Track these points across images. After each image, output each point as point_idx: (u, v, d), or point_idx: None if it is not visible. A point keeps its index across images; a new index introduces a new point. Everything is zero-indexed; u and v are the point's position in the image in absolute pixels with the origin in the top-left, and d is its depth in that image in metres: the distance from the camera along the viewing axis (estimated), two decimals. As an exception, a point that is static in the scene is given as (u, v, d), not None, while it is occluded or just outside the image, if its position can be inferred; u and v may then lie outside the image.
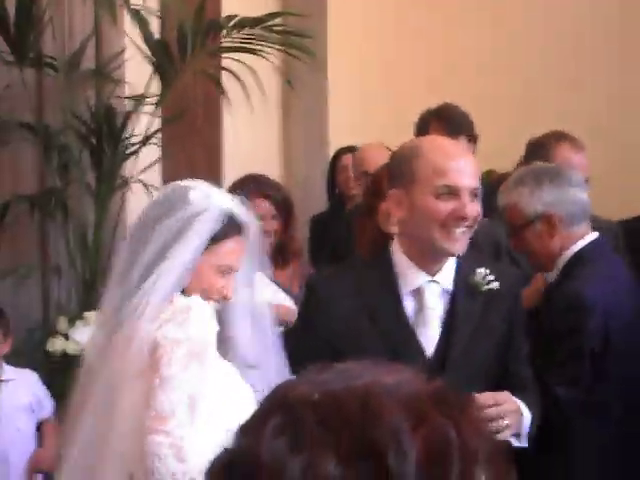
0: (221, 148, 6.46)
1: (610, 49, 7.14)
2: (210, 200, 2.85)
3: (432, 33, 7.66)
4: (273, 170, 6.60)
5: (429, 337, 3.09)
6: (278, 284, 4.59)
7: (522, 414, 3.11)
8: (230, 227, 2.84)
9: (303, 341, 3.14)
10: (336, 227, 5.64)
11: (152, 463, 2.57)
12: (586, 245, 3.63)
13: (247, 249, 2.91)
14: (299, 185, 6.82)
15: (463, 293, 3.12)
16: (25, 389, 4.51)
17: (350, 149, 6.42)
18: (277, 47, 5.36)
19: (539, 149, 4.48)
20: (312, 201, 6.38)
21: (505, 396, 3.03)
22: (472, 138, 5.07)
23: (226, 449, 1.09)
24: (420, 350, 3.07)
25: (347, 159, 6.37)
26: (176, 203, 2.83)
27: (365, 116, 6.92)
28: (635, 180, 6.56)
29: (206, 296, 2.82)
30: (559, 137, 4.48)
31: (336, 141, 6.84)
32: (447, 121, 5.03)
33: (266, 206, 4.60)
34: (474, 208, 3.03)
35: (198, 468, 2.59)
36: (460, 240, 3.03)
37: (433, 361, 3.07)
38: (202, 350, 2.70)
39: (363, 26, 7.26)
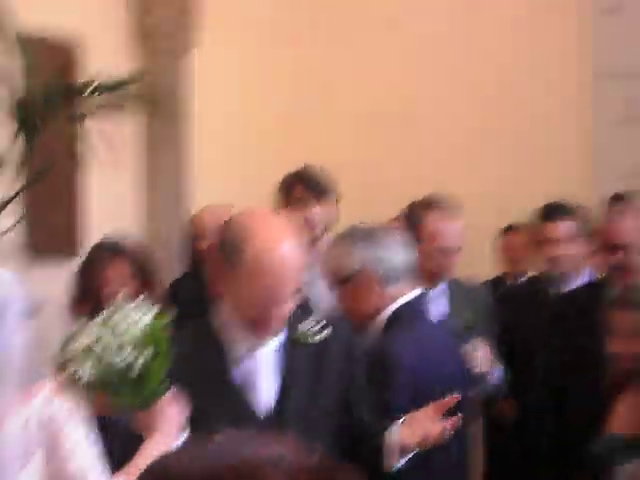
0: (82, 210, 6.40)
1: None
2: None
3: (294, 89, 7.75)
4: (135, 233, 6.46)
5: (263, 398, 3.06)
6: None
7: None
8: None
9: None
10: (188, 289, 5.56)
11: None
12: (402, 305, 3.62)
13: None
14: (162, 245, 6.76)
15: (292, 349, 3.10)
16: None
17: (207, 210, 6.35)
18: (136, 110, 5.46)
19: (410, 216, 4.55)
20: (175, 260, 6.35)
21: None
22: (334, 199, 5.12)
23: None
24: (253, 412, 3.03)
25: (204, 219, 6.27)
26: None
27: (230, 177, 6.99)
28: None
29: None
30: (428, 205, 4.52)
31: (201, 202, 6.53)
32: (310, 185, 5.06)
33: (120, 268, 4.45)
34: (290, 306, 3.01)
35: None
36: (278, 320, 3.01)
37: (267, 420, 3.03)
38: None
39: (227, 87, 7.31)
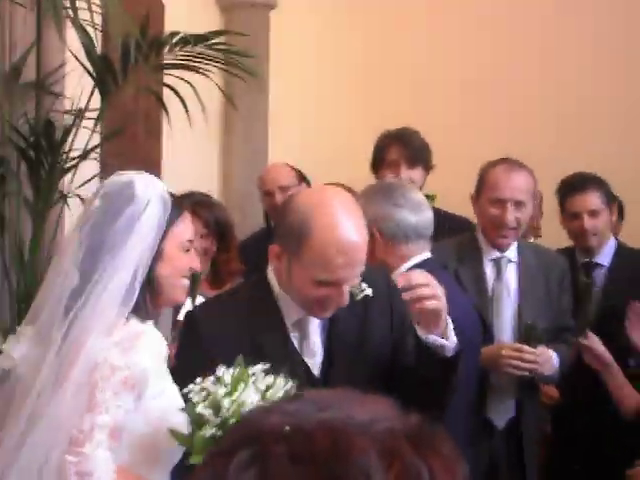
0: (160, 164, 6.46)
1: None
2: (152, 189, 2.85)
3: (369, 56, 7.78)
4: (212, 187, 6.63)
5: (315, 362, 3.09)
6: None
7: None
8: (177, 211, 2.89)
9: (184, 361, 3.09)
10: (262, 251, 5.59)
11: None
12: (411, 267, 3.57)
13: None
14: (238, 203, 6.85)
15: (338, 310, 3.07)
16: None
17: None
18: (219, 66, 5.33)
19: (479, 177, 4.52)
20: (251, 219, 6.38)
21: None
22: (428, 168, 5.02)
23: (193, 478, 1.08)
24: (307, 372, 3.05)
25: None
26: (122, 197, 2.81)
27: (303, 137, 7.03)
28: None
29: (179, 277, 2.90)
30: (498, 161, 4.48)
31: (275, 160, 6.78)
32: (407, 147, 4.97)
33: (196, 225, 4.52)
34: (347, 295, 2.98)
35: None
36: (330, 309, 3.02)
37: (321, 379, 3.05)
38: (140, 382, 2.68)
39: (303, 49, 7.35)
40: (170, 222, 2.83)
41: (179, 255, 2.88)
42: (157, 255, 2.81)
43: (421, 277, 2.95)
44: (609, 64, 7.31)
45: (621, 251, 5.05)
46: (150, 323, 2.81)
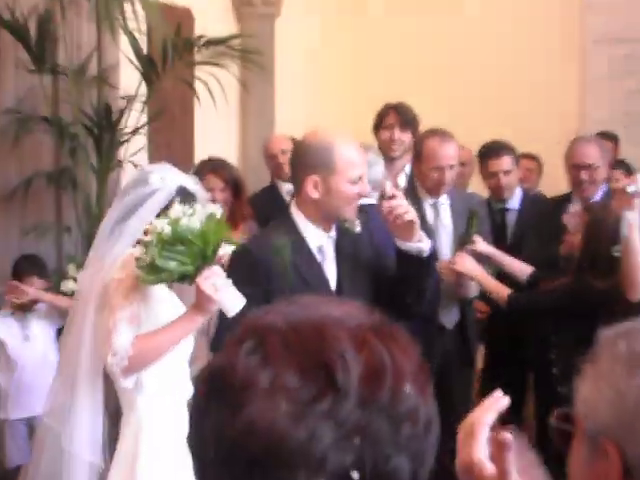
0: (193, 137, 6.43)
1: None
2: (164, 182, 2.90)
3: (357, 52, 7.61)
4: (232, 154, 6.64)
5: (332, 276, 3.08)
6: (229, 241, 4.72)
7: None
8: (181, 199, 2.87)
9: (247, 290, 2.94)
10: (269, 201, 5.56)
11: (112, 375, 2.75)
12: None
13: None
14: (252, 166, 6.79)
15: (341, 238, 3.10)
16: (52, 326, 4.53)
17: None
18: (236, 62, 5.40)
19: (416, 144, 4.51)
20: (262, 178, 6.44)
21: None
22: (415, 134, 4.89)
23: (208, 364, 1.09)
24: (328, 284, 3.06)
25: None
26: (139, 184, 2.91)
27: (305, 114, 6.92)
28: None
29: None
30: (430, 132, 4.41)
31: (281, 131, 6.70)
32: (402, 115, 4.90)
33: (216, 181, 4.63)
34: (368, 186, 3.07)
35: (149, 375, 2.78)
36: (356, 210, 3.06)
37: (336, 290, 3.07)
38: (141, 286, 2.78)
39: (304, 44, 7.25)
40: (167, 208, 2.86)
41: None
42: None
43: (397, 199, 3.01)
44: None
45: (526, 198, 5.07)
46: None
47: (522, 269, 4.36)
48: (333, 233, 3.10)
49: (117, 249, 2.85)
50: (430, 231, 4.24)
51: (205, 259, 2.77)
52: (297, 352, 1.01)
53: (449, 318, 4.42)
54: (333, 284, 3.09)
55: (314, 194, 2.98)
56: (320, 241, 3.07)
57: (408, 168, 4.86)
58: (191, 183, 2.98)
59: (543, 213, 4.83)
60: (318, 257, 3.07)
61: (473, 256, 4.28)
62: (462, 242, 4.32)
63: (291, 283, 2.95)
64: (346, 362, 0.99)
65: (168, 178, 2.92)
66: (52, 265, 5.03)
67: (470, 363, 4.65)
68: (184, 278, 2.77)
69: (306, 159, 3.03)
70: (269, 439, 0.96)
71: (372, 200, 3.68)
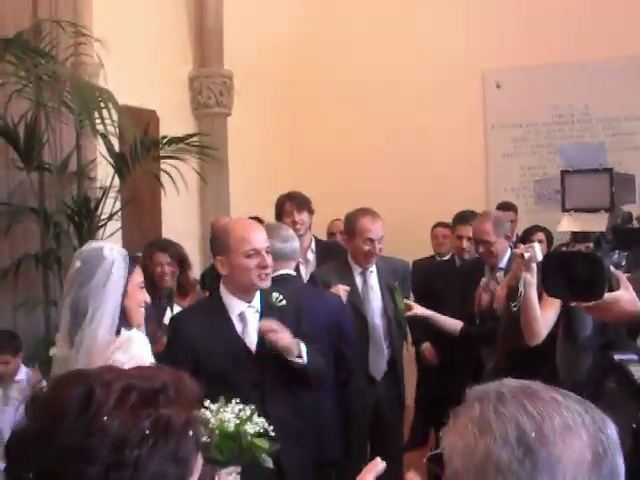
0: (161, 220, 6.50)
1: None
2: (115, 251, 2.83)
3: (300, 144, 7.89)
4: (194, 234, 6.77)
5: (252, 340, 3.16)
6: (182, 305, 4.78)
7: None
8: (132, 259, 2.87)
9: (170, 353, 3.13)
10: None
11: None
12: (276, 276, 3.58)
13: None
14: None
15: (266, 311, 3.20)
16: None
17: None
18: (195, 156, 5.56)
19: (348, 222, 4.56)
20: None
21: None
22: (311, 212, 5.18)
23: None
24: (246, 349, 3.15)
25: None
26: (97, 262, 2.77)
27: (254, 197, 7.02)
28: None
29: (138, 308, 2.84)
30: (362, 212, 4.52)
31: (235, 214, 6.73)
32: (296, 200, 5.14)
33: (164, 257, 4.80)
34: (269, 259, 3.15)
35: None
36: (266, 279, 3.14)
37: (256, 356, 3.13)
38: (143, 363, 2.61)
39: (251, 140, 7.37)
40: (129, 272, 2.80)
41: (137, 292, 2.85)
42: (123, 294, 2.79)
43: (273, 324, 3.08)
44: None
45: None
46: (135, 329, 2.82)
47: (455, 324, 4.50)
48: (255, 303, 3.20)
49: (104, 327, 2.73)
50: (359, 296, 4.45)
51: (234, 459, 2.75)
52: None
53: (378, 370, 4.52)
54: (253, 348, 3.16)
55: (223, 271, 3.16)
56: (240, 309, 3.18)
57: (314, 244, 5.12)
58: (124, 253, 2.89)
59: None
60: (238, 325, 3.16)
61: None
62: (397, 316, 4.45)
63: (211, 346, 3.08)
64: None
65: (113, 247, 2.87)
66: (41, 334, 5.08)
67: (400, 404, 4.74)
68: (212, 462, 2.68)
69: (213, 244, 3.28)
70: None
71: (289, 270, 3.86)
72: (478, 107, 7.54)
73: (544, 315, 3.74)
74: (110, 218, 5.22)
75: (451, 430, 1.18)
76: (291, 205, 5.13)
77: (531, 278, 3.61)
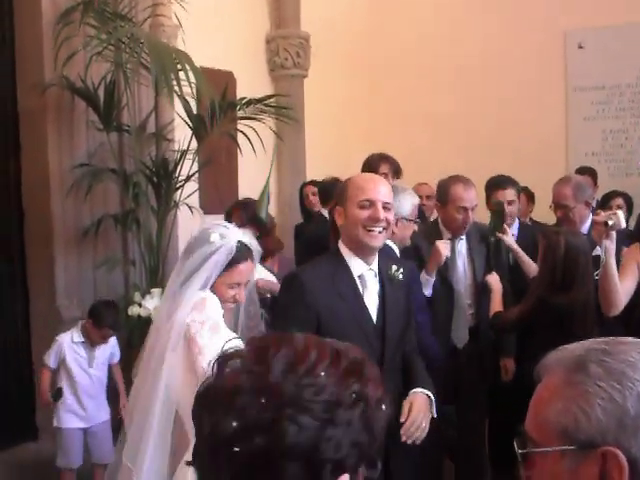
0: (237, 181, 6.47)
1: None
2: (224, 240, 2.73)
3: (373, 106, 7.73)
4: (270, 191, 6.68)
5: (372, 308, 2.89)
6: (266, 267, 4.81)
7: (431, 400, 2.85)
8: (240, 256, 2.74)
9: (293, 312, 2.81)
10: (305, 231, 5.65)
11: None
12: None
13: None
14: (287, 203, 6.87)
15: (385, 280, 2.94)
16: (109, 346, 4.57)
17: (312, 182, 6.44)
18: (272, 117, 5.44)
19: (440, 190, 4.35)
20: (296, 213, 6.55)
21: (419, 410, 2.77)
22: (399, 176, 4.82)
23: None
24: (370, 317, 2.88)
25: (308, 188, 6.43)
26: (202, 242, 2.73)
27: (330, 159, 6.97)
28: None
29: (221, 302, 2.73)
30: (455, 179, 4.28)
31: (310, 176, 6.83)
32: (393, 166, 4.79)
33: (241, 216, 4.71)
34: (385, 215, 2.83)
35: None
36: (375, 236, 2.83)
37: (377, 325, 2.88)
38: (217, 324, 2.61)
39: (329, 101, 7.30)
40: (229, 265, 2.72)
41: (222, 290, 2.74)
42: (211, 285, 2.72)
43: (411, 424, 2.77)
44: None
45: (521, 227, 4.97)
46: (208, 291, 2.71)
47: (532, 267, 4.27)
48: (375, 267, 2.93)
49: (188, 295, 2.69)
50: (447, 263, 4.20)
51: None
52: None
53: (460, 338, 4.30)
54: (373, 314, 2.91)
55: (339, 221, 2.91)
56: (360, 270, 2.90)
57: None
58: (247, 238, 2.81)
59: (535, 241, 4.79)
60: (360, 286, 2.90)
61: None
62: (493, 232, 4.32)
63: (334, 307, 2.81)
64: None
65: (227, 235, 2.75)
66: (120, 293, 5.10)
67: (483, 377, 4.44)
68: None
69: (336, 196, 3.02)
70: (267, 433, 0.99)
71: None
72: (559, 69, 7.15)
73: (624, 284, 3.64)
74: (188, 179, 5.19)
75: (562, 398, 1.14)
76: (386, 168, 4.75)
77: (612, 245, 3.45)
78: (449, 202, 4.23)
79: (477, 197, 4.29)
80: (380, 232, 2.84)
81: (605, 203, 5.47)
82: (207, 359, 2.45)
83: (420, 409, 2.77)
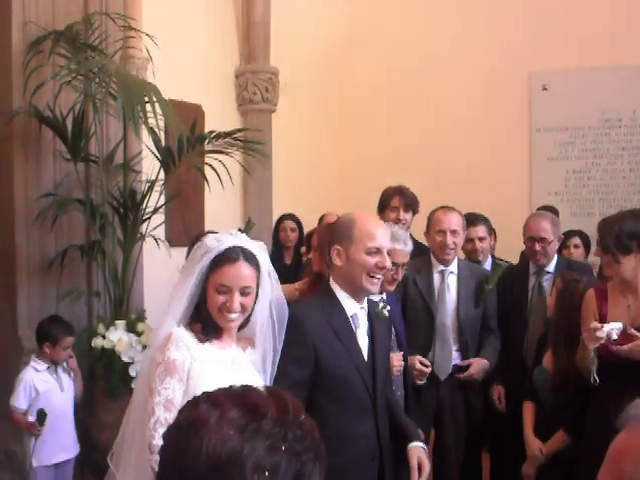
0: (204, 214, 6.45)
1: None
2: (218, 242, 2.49)
3: (343, 140, 7.81)
4: (236, 224, 6.51)
5: (363, 346, 2.90)
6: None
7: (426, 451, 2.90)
8: (228, 257, 2.46)
9: (292, 351, 2.73)
10: (277, 266, 5.67)
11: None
12: None
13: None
14: (253, 237, 6.87)
15: (373, 317, 2.98)
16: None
17: (287, 216, 6.51)
18: (240, 151, 5.44)
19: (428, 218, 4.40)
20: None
21: (427, 464, 2.84)
22: (415, 213, 4.85)
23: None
24: (362, 355, 2.89)
25: (287, 223, 6.48)
26: (199, 246, 2.52)
27: (297, 194, 7.00)
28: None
29: (217, 312, 2.51)
30: (440, 207, 4.37)
31: (277, 211, 6.87)
32: (405, 198, 4.78)
33: None
34: (388, 262, 2.87)
35: None
36: (377, 283, 2.87)
37: (368, 363, 2.89)
38: (172, 366, 2.42)
39: (296, 137, 7.32)
40: (209, 270, 2.49)
41: (212, 295, 2.50)
42: (199, 290, 2.52)
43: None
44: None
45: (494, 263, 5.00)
46: (180, 325, 2.50)
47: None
48: (365, 305, 2.94)
49: (171, 318, 2.53)
50: (435, 294, 4.28)
51: None
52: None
53: (443, 370, 4.31)
54: (365, 352, 2.92)
55: (337, 262, 2.87)
56: (353, 309, 2.90)
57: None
58: (251, 245, 2.53)
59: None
60: (353, 325, 2.90)
61: None
62: (486, 281, 4.34)
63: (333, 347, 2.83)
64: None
65: (223, 239, 2.50)
66: (84, 324, 5.02)
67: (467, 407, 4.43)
68: None
69: (333, 233, 2.95)
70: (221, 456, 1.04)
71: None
72: (524, 110, 7.31)
73: None
74: (155, 211, 5.16)
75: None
76: (400, 201, 4.77)
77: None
78: (431, 227, 4.35)
79: (461, 225, 4.34)
80: (379, 279, 2.88)
81: (564, 242, 5.58)
82: (155, 401, 2.38)
83: (428, 464, 2.85)
